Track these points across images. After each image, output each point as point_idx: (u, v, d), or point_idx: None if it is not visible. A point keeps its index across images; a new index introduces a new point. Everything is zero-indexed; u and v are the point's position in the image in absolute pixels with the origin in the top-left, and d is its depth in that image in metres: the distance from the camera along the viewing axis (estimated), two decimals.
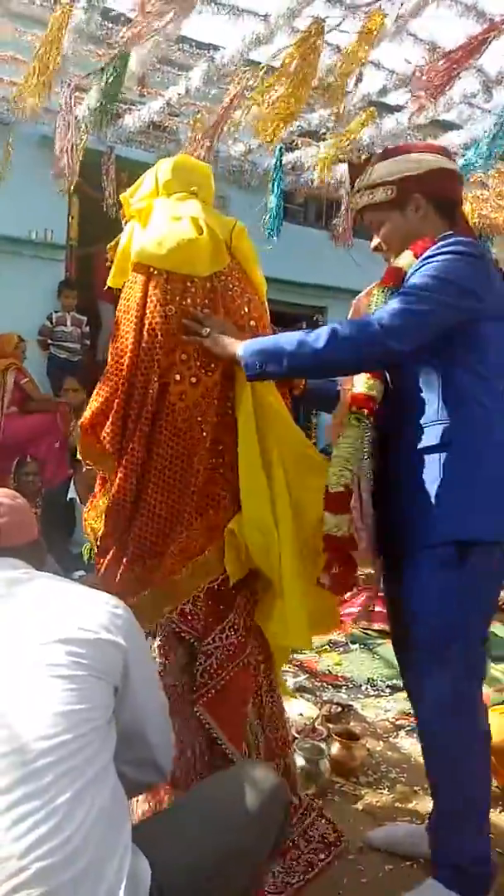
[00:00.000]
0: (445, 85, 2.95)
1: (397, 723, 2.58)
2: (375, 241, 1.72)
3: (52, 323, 5.95)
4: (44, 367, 5.94)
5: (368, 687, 2.93)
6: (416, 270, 1.56)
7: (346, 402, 1.64)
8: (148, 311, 1.57)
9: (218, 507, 1.60)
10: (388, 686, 2.94)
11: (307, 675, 2.97)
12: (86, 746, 0.99)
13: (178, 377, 1.57)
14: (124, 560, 1.58)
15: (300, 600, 1.58)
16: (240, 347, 1.54)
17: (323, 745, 2.14)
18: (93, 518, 1.72)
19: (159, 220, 1.61)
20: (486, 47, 2.75)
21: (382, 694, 2.87)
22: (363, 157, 1.73)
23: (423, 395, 1.57)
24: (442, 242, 1.56)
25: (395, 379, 1.62)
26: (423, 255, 1.56)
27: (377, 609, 3.72)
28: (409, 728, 2.54)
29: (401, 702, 2.79)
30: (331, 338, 1.52)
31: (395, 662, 3.20)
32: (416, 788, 2.12)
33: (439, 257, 1.53)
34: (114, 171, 4.97)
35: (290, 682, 2.81)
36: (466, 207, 5.17)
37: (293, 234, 6.01)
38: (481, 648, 1.62)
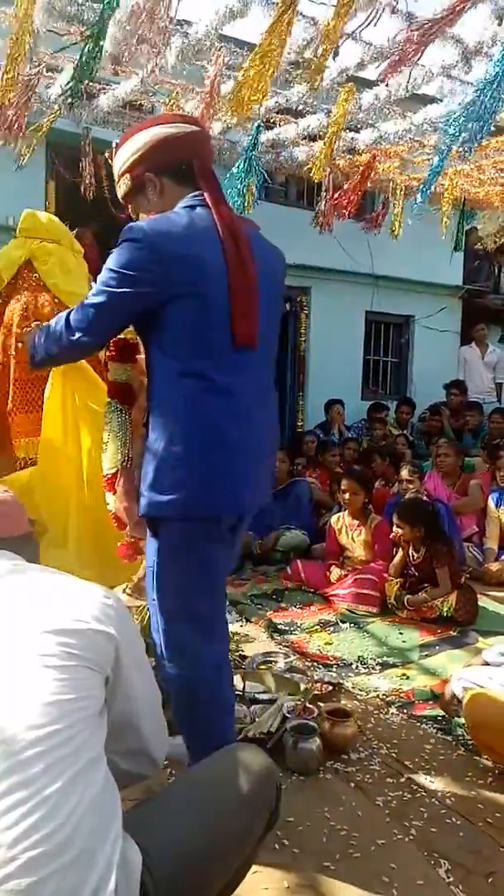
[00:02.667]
0: (417, 51, 2.89)
1: (387, 699, 2.62)
2: None
3: None
4: None
5: (359, 665, 2.96)
6: None
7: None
8: None
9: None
10: (378, 664, 2.98)
11: (297, 656, 2.99)
12: (76, 736, 0.99)
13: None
14: None
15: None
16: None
17: (314, 724, 2.16)
18: None
19: None
20: (459, 17, 2.70)
21: (373, 671, 2.90)
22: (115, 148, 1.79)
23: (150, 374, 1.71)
24: (122, 232, 1.60)
25: None
26: None
27: (364, 591, 3.76)
28: (399, 704, 2.57)
29: (391, 679, 2.83)
30: (45, 330, 1.76)
31: (385, 640, 3.27)
32: (407, 763, 2.16)
33: (115, 249, 1.59)
34: (90, 154, 4.87)
35: (281, 662, 2.83)
36: (446, 182, 5.16)
37: (275, 214, 5.91)
38: (191, 621, 1.66)
